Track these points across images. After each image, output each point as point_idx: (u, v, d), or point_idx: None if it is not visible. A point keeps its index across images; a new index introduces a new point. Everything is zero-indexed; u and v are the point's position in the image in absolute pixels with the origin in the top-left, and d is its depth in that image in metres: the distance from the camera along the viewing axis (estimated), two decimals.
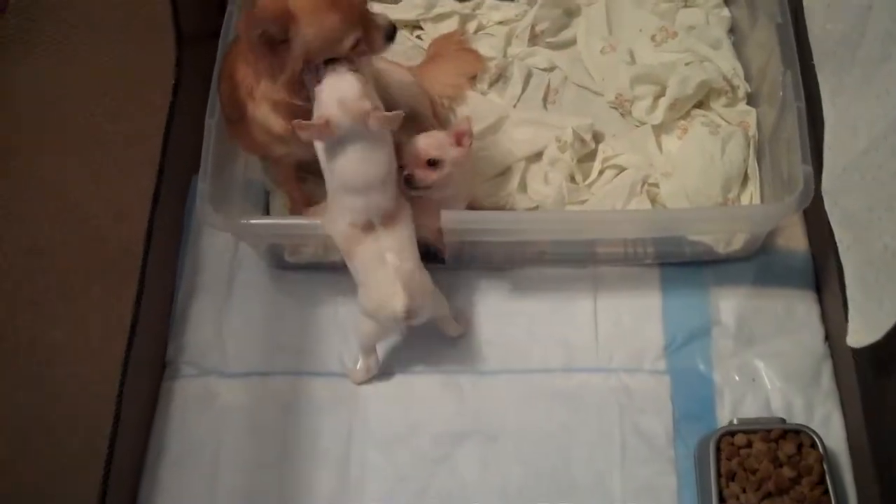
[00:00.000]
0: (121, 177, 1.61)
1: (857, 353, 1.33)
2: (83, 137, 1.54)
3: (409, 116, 1.65)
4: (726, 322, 1.66)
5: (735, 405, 1.59)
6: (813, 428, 1.49)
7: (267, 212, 1.78)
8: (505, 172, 1.77)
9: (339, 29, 1.35)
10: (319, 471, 1.57)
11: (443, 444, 1.58)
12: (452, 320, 1.62)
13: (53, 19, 1.46)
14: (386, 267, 1.42)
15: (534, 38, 1.95)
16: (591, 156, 1.79)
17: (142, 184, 1.67)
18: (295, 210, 1.70)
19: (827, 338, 1.63)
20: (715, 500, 1.44)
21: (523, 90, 1.90)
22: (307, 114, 1.39)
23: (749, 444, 1.47)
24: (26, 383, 1.35)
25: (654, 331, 1.65)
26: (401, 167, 1.49)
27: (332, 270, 1.64)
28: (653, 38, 1.91)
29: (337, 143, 1.39)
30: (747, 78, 1.83)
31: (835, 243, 1.38)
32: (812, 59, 1.48)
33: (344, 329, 1.67)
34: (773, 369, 1.61)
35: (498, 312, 1.69)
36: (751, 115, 1.79)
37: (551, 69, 1.93)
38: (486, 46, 1.93)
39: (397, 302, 1.41)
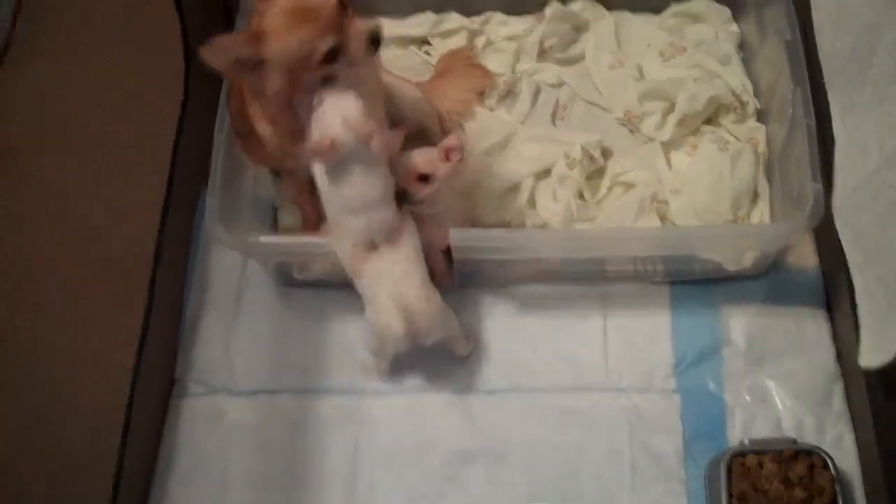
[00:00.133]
0: (123, 179, 1.60)
1: (868, 373, 1.32)
2: (86, 139, 1.54)
3: (417, 132, 1.65)
4: (737, 341, 1.64)
5: (746, 425, 1.57)
6: (825, 448, 1.48)
7: (275, 227, 1.78)
8: (513, 189, 1.76)
9: (307, 40, 1.30)
10: (327, 489, 1.57)
11: (451, 464, 1.57)
12: (462, 339, 1.61)
13: (58, 22, 1.46)
14: (391, 286, 1.42)
15: (542, 54, 1.94)
16: (600, 172, 1.78)
17: (145, 187, 1.67)
18: (308, 226, 1.69)
19: (838, 357, 1.62)
20: None
21: (532, 106, 1.89)
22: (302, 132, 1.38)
23: (760, 465, 1.46)
24: (27, 383, 1.35)
25: (664, 349, 1.64)
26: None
27: (340, 288, 1.63)
28: (661, 53, 1.90)
29: (337, 163, 1.37)
30: (756, 94, 1.82)
31: (845, 261, 1.37)
32: (822, 77, 1.47)
33: (352, 346, 1.66)
34: (784, 389, 1.60)
35: (505, 330, 1.68)
36: (760, 132, 1.78)
37: (560, 85, 1.93)
38: (494, 62, 1.93)
39: (395, 326, 1.40)
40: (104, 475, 1.44)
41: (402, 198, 1.48)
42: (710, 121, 1.82)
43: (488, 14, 1.99)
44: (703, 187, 1.71)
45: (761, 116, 1.81)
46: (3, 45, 1.29)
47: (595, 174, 1.78)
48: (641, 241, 1.63)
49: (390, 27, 1.95)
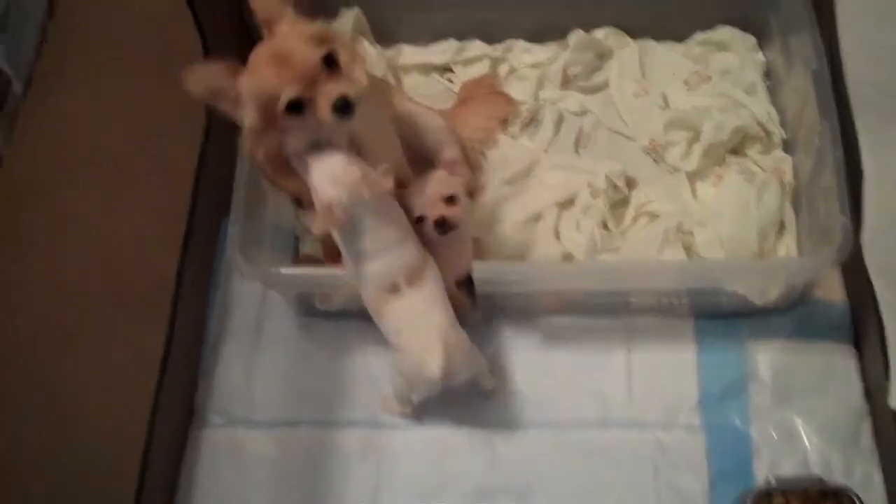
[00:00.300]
0: (145, 208, 1.61)
1: None
2: (108, 168, 1.53)
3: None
4: (763, 376, 1.62)
5: (772, 462, 1.54)
6: (852, 488, 1.45)
7: (296, 256, 1.77)
8: (536, 217, 1.75)
9: (273, 84, 1.28)
10: None
11: (474, 500, 1.55)
12: (488, 374, 1.58)
13: (81, 53, 1.46)
14: (419, 328, 1.40)
15: (566, 82, 1.93)
16: (624, 202, 1.77)
17: (167, 216, 1.67)
18: (329, 256, 1.67)
19: (866, 394, 1.59)
20: None
21: (555, 134, 1.88)
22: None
23: None
24: (48, 413, 1.34)
25: (689, 384, 1.62)
26: (418, 218, 1.46)
27: (362, 318, 1.61)
28: (686, 82, 1.89)
29: (348, 221, 1.35)
30: (783, 124, 1.79)
31: (874, 295, 1.35)
32: (849, 107, 1.45)
33: (374, 379, 1.65)
34: (811, 426, 1.57)
35: (528, 363, 1.66)
36: (786, 163, 1.75)
37: (583, 113, 1.91)
38: (517, 90, 1.92)
39: (434, 364, 1.36)
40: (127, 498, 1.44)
41: (439, 226, 1.44)
42: (735, 151, 1.80)
43: (511, 42, 1.98)
44: (729, 218, 1.68)
45: (787, 147, 1.79)
46: (27, 78, 1.29)
47: (619, 203, 1.76)
48: (666, 273, 1.61)
49: (413, 55, 1.98)
